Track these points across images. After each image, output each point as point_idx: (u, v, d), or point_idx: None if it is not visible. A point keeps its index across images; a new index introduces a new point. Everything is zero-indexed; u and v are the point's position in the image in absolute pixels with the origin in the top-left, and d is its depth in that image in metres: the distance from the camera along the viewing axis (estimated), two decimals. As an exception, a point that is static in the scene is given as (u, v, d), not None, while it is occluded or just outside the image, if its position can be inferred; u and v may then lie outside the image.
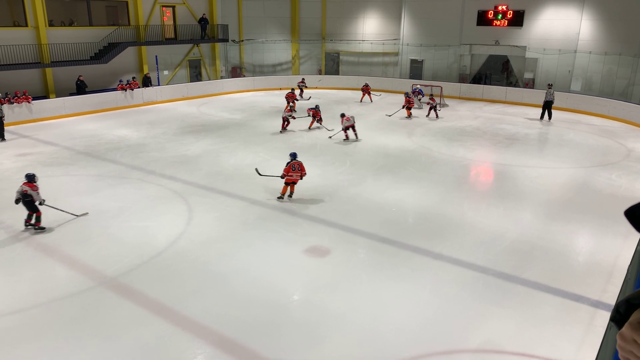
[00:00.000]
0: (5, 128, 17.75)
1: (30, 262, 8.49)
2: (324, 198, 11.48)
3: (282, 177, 11.14)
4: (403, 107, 20.67)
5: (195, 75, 29.12)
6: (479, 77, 27.50)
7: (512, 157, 15.00)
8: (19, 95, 19.85)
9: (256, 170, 12.10)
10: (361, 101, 24.67)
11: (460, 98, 25.96)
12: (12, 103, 19.55)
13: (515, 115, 21.88)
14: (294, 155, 11.29)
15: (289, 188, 11.28)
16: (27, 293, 7.51)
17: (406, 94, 21.36)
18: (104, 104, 22.59)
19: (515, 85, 26.25)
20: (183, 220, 10.20)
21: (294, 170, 11.04)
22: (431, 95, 20.72)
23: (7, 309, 7.09)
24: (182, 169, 13.65)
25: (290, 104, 20.27)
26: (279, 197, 11.26)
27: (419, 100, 22.96)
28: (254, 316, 6.95)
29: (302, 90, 25.99)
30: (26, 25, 21.47)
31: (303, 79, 26.95)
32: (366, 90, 24.81)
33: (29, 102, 20.07)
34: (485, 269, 8.25)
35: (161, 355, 6.16)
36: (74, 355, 6.14)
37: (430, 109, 20.42)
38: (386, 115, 20.76)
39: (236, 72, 31.34)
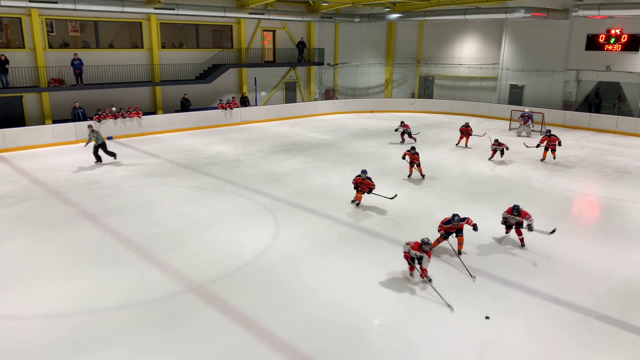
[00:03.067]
0: (121, 140, 19.47)
1: (128, 264, 9.05)
2: (410, 222, 11.18)
3: (370, 190, 11.99)
4: (539, 146, 17.09)
5: (290, 97, 30.10)
6: (587, 105, 25.65)
7: (621, 192, 13.69)
8: (131, 110, 21.68)
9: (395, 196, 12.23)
10: (457, 145, 19.77)
11: (563, 126, 24.35)
12: (125, 117, 21.38)
13: (627, 146, 20.06)
14: (364, 172, 12.05)
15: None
16: (122, 292, 7.99)
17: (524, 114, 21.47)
18: (205, 121, 23.98)
19: (629, 114, 24.12)
20: (270, 235, 10.40)
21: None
22: (496, 140, 17.00)
23: (105, 305, 7.59)
24: (272, 185, 14.01)
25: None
26: (356, 203, 12.24)
27: (528, 126, 21.81)
28: (331, 337, 6.83)
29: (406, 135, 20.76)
30: (142, 47, 23.52)
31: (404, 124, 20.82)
32: (467, 132, 19.35)
33: (140, 117, 21.82)
34: (588, 310, 7.48)
35: (238, 356, 6.23)
36: (160, 355, 6.39)
37: (495, 152, 17.04)
38: (525, 144, 18.66)
39: (329, 94, 31.95)
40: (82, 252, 9.53)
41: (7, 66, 19.26)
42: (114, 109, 21.30)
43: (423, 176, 14.54)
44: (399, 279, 8.49)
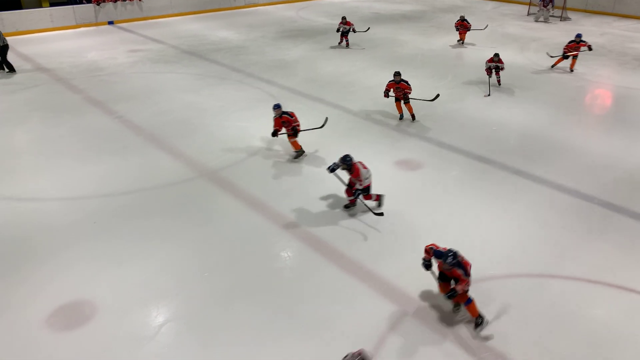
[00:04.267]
0: (122, 25, 18.80)
1: (140, 150, 9.19)
2: (420, 111, 11.07)
3: (295, 132, 8.74)
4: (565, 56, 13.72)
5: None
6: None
7: (638, 81, 13.29)
8: (131, -8, 20.62)
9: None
10: (459, 41, 16.88)
11: (585, 11, 22.99)
12: (125, 0, 20.39)
13: (651, 33, 19.09)
14: (279, 106, 8.71)
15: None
16: (136, 177, 8.22)
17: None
18: (208, 4, 22.85)
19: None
20: (278, 123, 10.38)
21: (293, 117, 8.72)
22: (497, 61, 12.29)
23: (119, 189, 7.84)
24: (280, 74, 13.70)
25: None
26: (297, 155, 8.92)
27: (548, 10, 20.59)
28: (340, 219, 7.11)
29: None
30: None
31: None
32: (465, 27, 16.60)
33: (141, 0, 20.80)
34: (591, 197, 7.65)
35: (256, 242, 6.57)
36: (179, 233, 6.73)
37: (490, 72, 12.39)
38: (547, 54, 14.48)
39: (339, -25, 29.93)
40: (94, 138, 9.65)
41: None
42: (112, -10, 20.26)
43: (413, 117, 10.40)
44: (406, 166, 8.61)
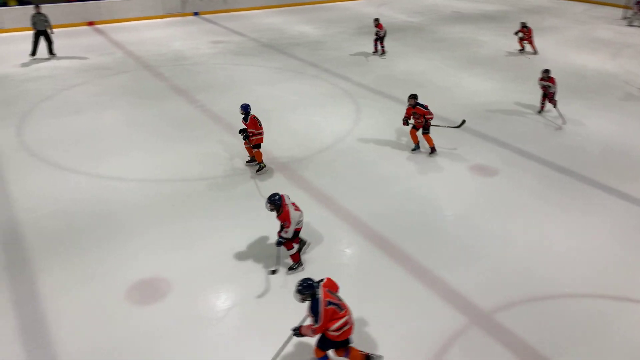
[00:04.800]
0: (206, 16, 19.59)
1: (217, 139, 9.55)
2: (498, 116, 10.70)
3: (245, 133, 8.14)
4: None
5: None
6: None
7: None
8: (217, -15, 21.35)
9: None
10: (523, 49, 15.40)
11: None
12: (211, -7, 21.15)
13: None
14: (246, 107, 8.12)
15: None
16: (212, 165, 8.56)
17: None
18: (289, -2, 23.23)
19: None
20: (351, 120, 10.43)
21: (260, 126, 8.12)
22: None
23: (195, 175, 8.21)
24: (355, 70, 13.72)
25: None
26: (258, 170, 8.28)
27: None
28: (407, 221, 7.05)
29: None
30: None
31: None
32: (528, 34, 15.08)
33: (225, -7, 21.50)
34: (683, 220, 7.09)
35: (321, 237, 6.66)
36: (249, 221, 6.93)
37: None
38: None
39: (421, -28, 29.40)
40: (176, 124, 10.15)
41: None
42: (199, -17, 21.09)
43: (433, 150, 8.89)
44: (481, 172, 8.38)
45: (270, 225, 6.85)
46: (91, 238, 6.57)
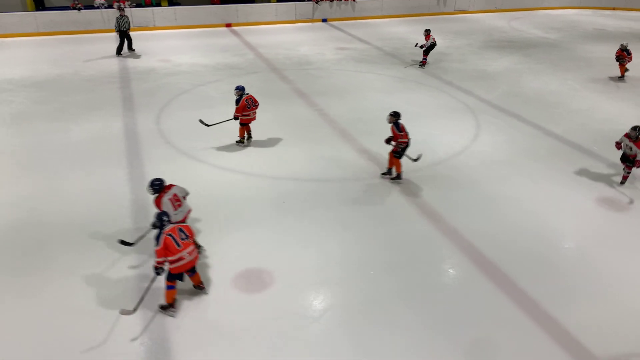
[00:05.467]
0: (334, 23, 20.14)
1: (332, 142, 9.79)
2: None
3: (235, 118, 9.20)
4: None
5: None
6: None
7: None
8: (347, -7, 21.90)
9: (201, 121, 9.40)
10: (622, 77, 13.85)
11: None
12: (340, 0, 21.74)
13: None
14: (241, 89, 9.05)
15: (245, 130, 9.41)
16: (325, 167, 8.78)
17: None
18: (417, 8, 23.08)
19: None
20: (469, 136, 10.09)
21: (249, 108, 8.96)
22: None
23: (308, 176, 8.48)
24: (479, 84, 13.25)
25: None
26: (237, 141, 9.37)
27: None
28: (519, 248, 6.65)
29: None
30: None
31: None
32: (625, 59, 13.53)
33: (354, 1, 21.96)
34: None
35: (424, 252, 6.54)
36: (354, 227, 7.03)
37: None
38: None
39: (563, -16, 27.55)
40: (295, 125, 10.58)
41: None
42: (331, -9, 21.76)
43: (392, 174, 8.40)
44: (609, 205, 7.64)
45: (372, 237, 6.89)
46: (210, 223, 7.08)
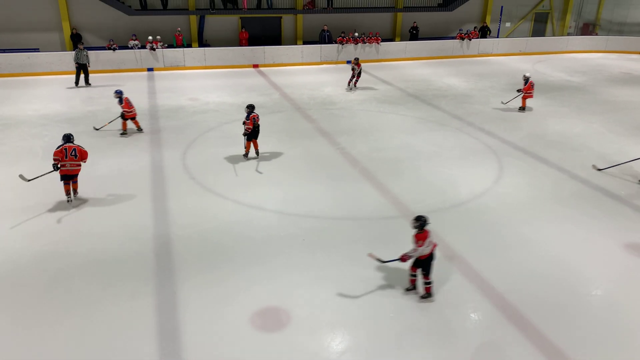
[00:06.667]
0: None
1: (353, 181, 9.83)
2: (667, 191, 9.44)
3: (245, 133, 10.61)
4: None
5: (539, 29, 27.05)
6: None
7: None
8: (371, 35, 22.40)
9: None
10: None
11: None
12: (365, 43, 22.25)
13: None
14: (251, 107, 10.61)
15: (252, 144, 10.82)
16: (345, 205, 8.80)
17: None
18: (441, 51, 23.43)
19: None
20: (491, 178, 10.02)
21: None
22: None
23: (328, 213, 8.49)
24: (502, 126, 13.24)
25: None
26: (244, 155, 10.87)
27: None
28: (543, 293, 6.47)
29: None
30: (390, -27, 23.70)
31: None
32: None
33: (378, 44, 22.44)
34: None
35: (446, 296, 6.41)
36: (375, 267, 6.97)
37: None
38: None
39: (587, 29, 27.73)
40: (317, 163, 10.69)
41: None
42: (356, 34, 22.31)
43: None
44: (634, 252, 7.42)
45: (394, 278, 6.80)
46: (229, 259, 7.13)
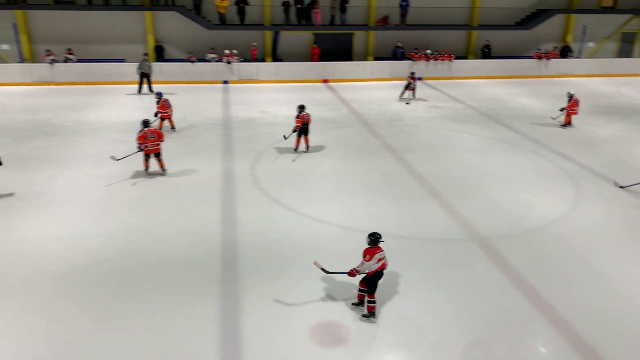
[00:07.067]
0: (429, 82, 20.39)
1: (419, 199, 9.65)
2: None
3: (295, 130, 12.06)
4: None
5: (626, 50, 25.52)
6: None
7: None
8: (444, 53, 22.09)
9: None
10: None
11: None
12: (437, 60, 21.96)
13: None
14: (302, 107, 12.07)
15: (302, 140, 12.14)
16: (410, 224, 8.65)
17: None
18: (517, 70, 22.68)
19: None
20: (567, 204, 9.49)
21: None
22: None
23: (393, 231, 8.35)
24: (581, 150, 12.54)
25: None
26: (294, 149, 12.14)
27: None
28: (623, 331, 6.00)
29: None
30: (465, -10, 23.35)
31: None
32: None
33: (451, 61, 22.08)
34: None
35: (513, 325, 6.12)
36: (437, 289, 6.78)
37: None
38: None
39: (681, 50, 25.82)
40: (382, 179, 10.61)
41: (346, 5, 21.86)
42: (429, 51, 22.08)
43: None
44: None
45: (459, 302, 6.58)
46: (292, 270, 7.19)
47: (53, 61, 19.36)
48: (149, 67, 18.39)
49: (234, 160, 11.56)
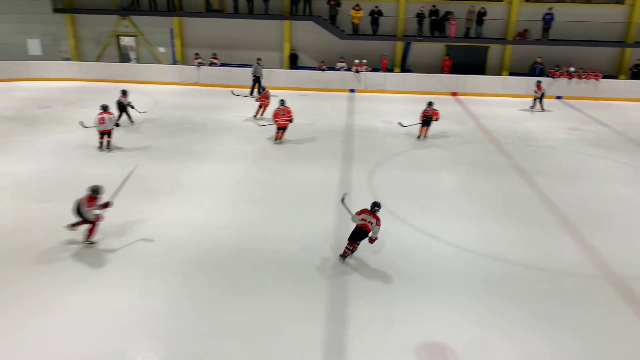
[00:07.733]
0: (570, 101, 18.87)
1: (547, 227, 8.90)
2: None
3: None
4: None
5: None
6: None
7: None
8: (590, 71, 20.25)
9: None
10: None
11: None
12: (581, 78, 20.20)
13: None
14: (430, 104, 13.64)
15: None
16: (536, 253, 7.99)
17: None
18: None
19: None
20: None
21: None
22: None
23: (513, 258, 7.80)
24: None
25: None
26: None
27: None
28: None
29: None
30: (622, 3, 21.16)
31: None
32: None
33: (598, 80, 20.16)
34: None
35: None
36: (562, 323, 6.21)
37: None
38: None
39: None
40: (507, 202, 9.98)
41: (483, 17, 21.00)
42: (572, 68, 20.41)
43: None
44: None
45: (594, 345, 5.95)
46: (402, 286, 7.04)
47: (200, 64, 21.25)
48: (261, 71, 19.41)
49: (352, 168, 11.67)
